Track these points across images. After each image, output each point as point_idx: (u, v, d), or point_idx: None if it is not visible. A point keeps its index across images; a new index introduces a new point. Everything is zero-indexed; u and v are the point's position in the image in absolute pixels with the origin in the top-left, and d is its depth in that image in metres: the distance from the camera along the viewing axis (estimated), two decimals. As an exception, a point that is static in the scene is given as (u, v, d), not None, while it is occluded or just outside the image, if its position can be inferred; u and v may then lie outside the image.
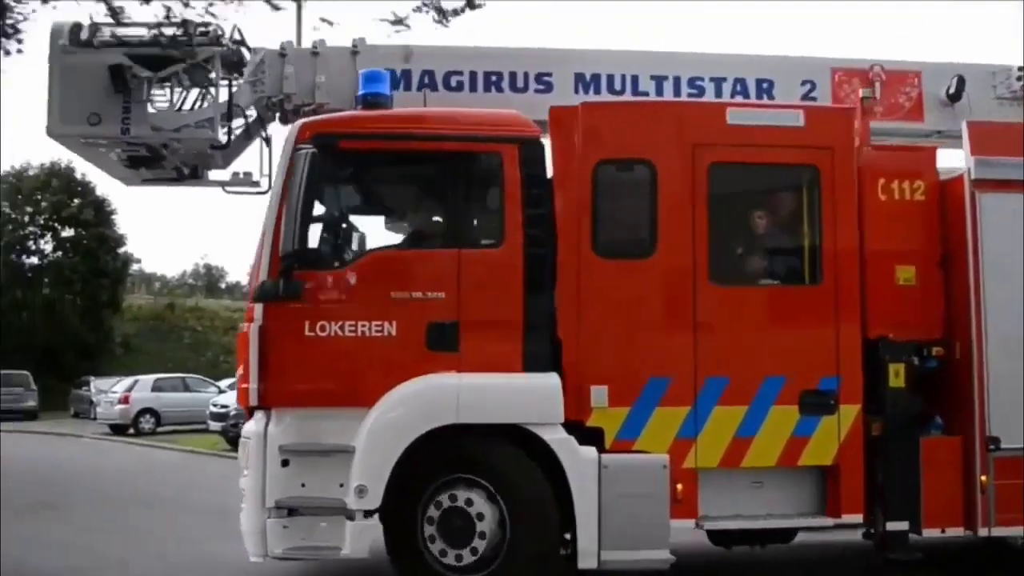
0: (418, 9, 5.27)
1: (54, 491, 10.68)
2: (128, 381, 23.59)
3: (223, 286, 53.28)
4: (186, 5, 5.35)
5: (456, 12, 5.71)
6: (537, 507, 4.90)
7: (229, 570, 6.00)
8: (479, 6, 5.11)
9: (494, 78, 6.53)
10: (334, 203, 5.36)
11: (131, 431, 21.74)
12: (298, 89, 6.40)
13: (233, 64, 6.51)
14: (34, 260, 34.82)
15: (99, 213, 34.37)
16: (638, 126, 5.41)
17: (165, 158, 6.58)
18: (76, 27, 6.10)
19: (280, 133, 5.97)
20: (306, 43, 6.57)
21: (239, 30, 6.27)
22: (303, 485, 4.88)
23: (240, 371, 5.12)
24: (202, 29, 6.15)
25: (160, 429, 21.81)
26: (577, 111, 5.34)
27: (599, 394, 5.09)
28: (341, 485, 4.80)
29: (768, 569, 6.25)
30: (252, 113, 6.71)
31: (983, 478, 5.37)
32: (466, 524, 4.88)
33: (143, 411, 22.24)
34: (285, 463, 4.87)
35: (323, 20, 6.36)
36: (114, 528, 8.16)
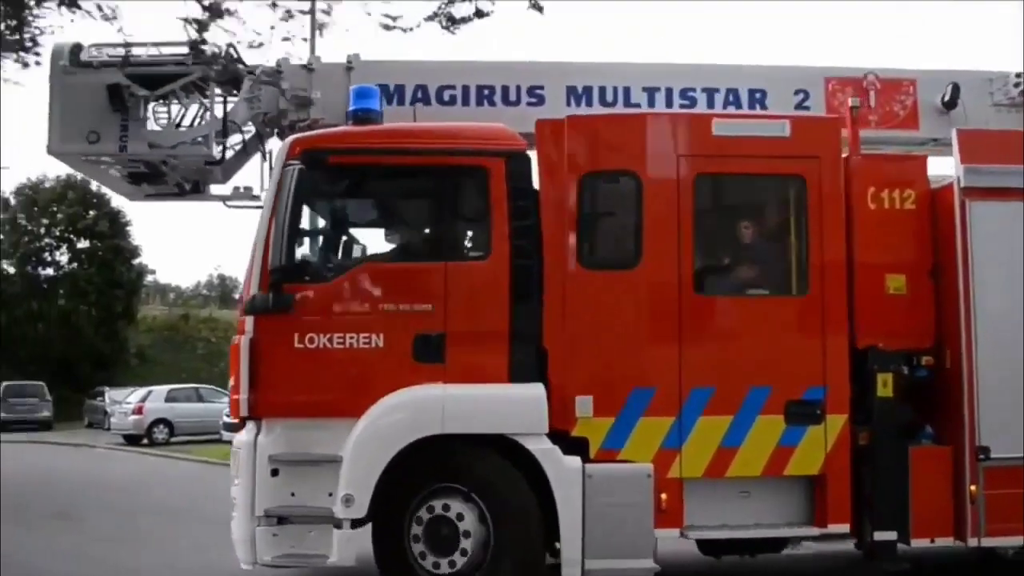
0: (430, 18, 5.36)
1: (67, 501, 10.80)
2: (142, 392, 23.80)
3: (237, 297, 53.26)
4: (201, 31, 5.48)
5: (465, 20, 5.82)
6: (522, 516, 4.95)
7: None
8: (486, 15, 5.22)
9: (486, 92, 6.63)
10: (324, 217, 5.47)
11: (145, 441, 21.90)
12: (293, 105, 6.53)
13: (231, 81, 6.65)
14: (50, 271, 35.28)
15: (114, 225, 34.80)
16: (623, 138, 5.47)
17: (165, 174, 6.73)
18: (76, 48, 6.27)
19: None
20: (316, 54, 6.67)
21: (235, 48, 6.42)
22: (293, 494, 4.97)
23: (232, 382, 5.22)
24: (198, 48, 6.29)
25: (174, 439, 21.93)
26: (563, 124, 5.41)
27: (584, 404, 5.14)
28: (330, 494, 4.87)
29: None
30: (250, 129, 6.86)
31: (973, 488, 5.35)
32: (451, 533, 4.94)
33: (157, 421, 22.40)
34: (275, 472, 4.96)
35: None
36: (126, 538, 8.23)
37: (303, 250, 5.25)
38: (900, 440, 5.42)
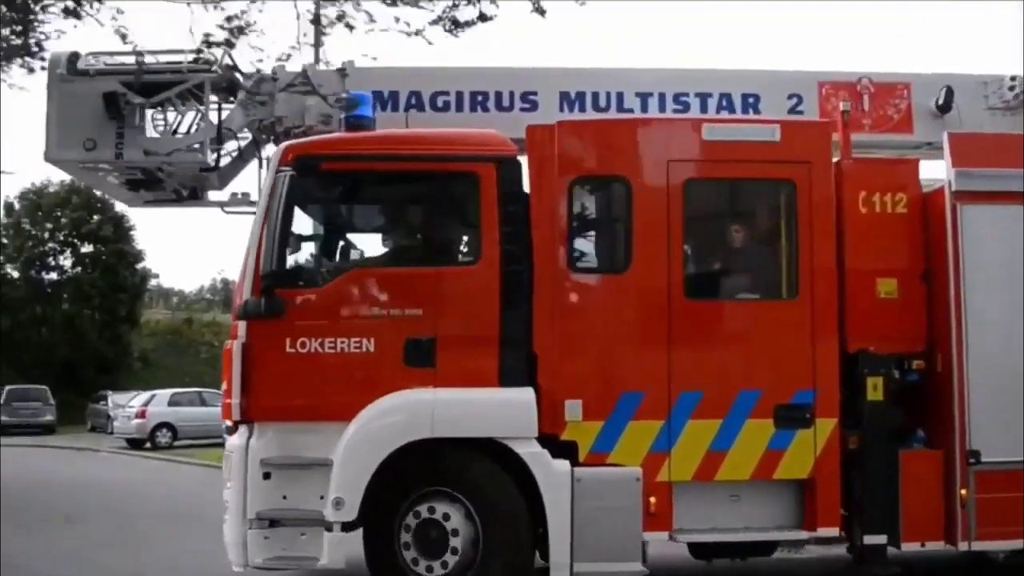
0: (435, 22, 5.40)
1: (70, 504, 10.82)
2: (145, 395, 23.80)
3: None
4: (208, 45, 5.52)
5: (468, 24, 5.86)
6: (510, 519, 4.98)
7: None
8: (490, 18, 5.25)
9: (480, 98, 6.70)
10: (316, 223, 5.52)
11: (148, 445, 21.92)
12: (289, 112, 6.59)
13: (227, 88, 6.72)
14: (54, 276, 35.38)
15: (118, 229, 34.88)
16: (613, 143, 5.51)
17: (162, 181, 6.80)
18: (73, 56, 6.36)
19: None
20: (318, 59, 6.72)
21: (230, 56, 6.49)
22: (285, 497, 5.00)
23: (225, 386, 5.27)
24: (193, 56, 6.36)
25: (177, 443, 21.92)
26: (553, 129, 5.45)
27: (573, 408, 5.17)
28: (321, 497, 4.91)
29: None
30: (247, 135, 6.92)
31: (963, 492, 5.36)
32: (441, 536, 4.98)
33: (160, 425, 22.43)
34: (267, 476, 5.00)
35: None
36: (129, 541, 8.24)
37: (295, 255, 5.29)
38: (890, 444, 5.43)
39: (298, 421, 5.10)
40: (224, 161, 7.08)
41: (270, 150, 6.83)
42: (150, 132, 6.67)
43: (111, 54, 6.51)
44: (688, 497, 5.29)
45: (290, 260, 5.20)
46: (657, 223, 5.33)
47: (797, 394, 5.31)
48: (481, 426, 5.06)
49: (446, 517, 5.00)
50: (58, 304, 34.10)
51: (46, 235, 35.14)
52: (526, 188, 5.40)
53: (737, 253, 5.72)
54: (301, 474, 5.01)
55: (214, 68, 6.43)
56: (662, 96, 6.90)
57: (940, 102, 7.23)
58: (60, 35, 7.28)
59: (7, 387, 28.51)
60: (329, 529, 4.87)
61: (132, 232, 35.77)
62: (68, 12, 6.18)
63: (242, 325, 5.13)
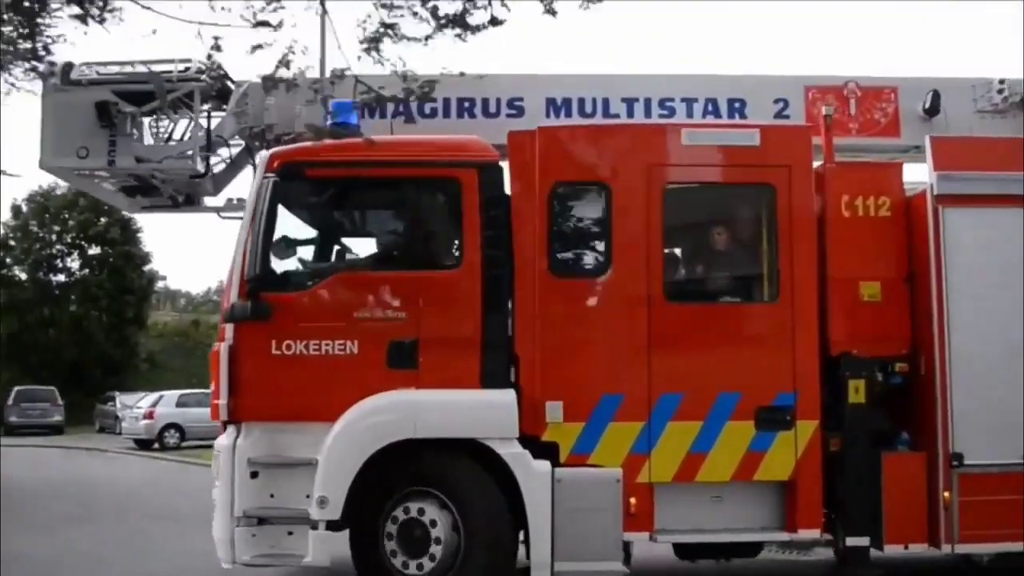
0: (443, 25, 5.44)
1: (78, 505, 10.90)
2: (153, 396, 24.00)
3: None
4: (217, 48, 5.59)
5: (479, 28, 5.90)
6: (492, 519, 5.06)
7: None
8: (501, 22, 5.30)
9: (467, 104, 6.78)
10: (301, 228, 5.62)
11: (156, 446, 22.10)
12: (279, 119, 6.70)
13: (219, 96, 6.83)
14: (61, 278, 35.70)
15: (125, 231, 35.15)
16: (593, 149, 5.58)
17: (156, 187, 6.92)
18: (67, 66, 6.49)
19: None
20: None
21: (220, 64, 6.59)
22: (272, 496, 5.11)
23: (213, 387, 5.37)
24: (183, 65, 6.48)
25: (184, 444, 22.06)
26: (534, 135, 5.52)
27: (554, 409, 5.24)
28: (308, 496, 5.01)
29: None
30: (239, 142, 7.03)
31: (947, 494, 5.38)
32: (424, 535, 5.06)
33: (168, 426, 22.61)
34: (254, 475, 5.11)
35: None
36: (136, 542, 8.30)
37: (281, 259, 5.39)
38: (873, 446, 5.46)
39: (284, 421, 5.19)
40: (219, 168, 7.20)
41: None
42: (148, 139, 6.81)
43: (104, 64, 6.63)
44: (670, 498, 5.34)
45: (276, 264, 5.30)
46: (637, 227, 5.40)
47: (778, 396, 5.35)
48: (463, 427, 5.14)
49: (427, 516, 5.07)
50: (66, 306, 34.39)
51: (54, 237, 35.44)
52: (508, 193, 5.47)
53: (717, 256, 5.78)
54: (288, 473, 5.11)
55: (203, 78, 6.54)
56: (648, 101, 6.96)
57: (927, 106, 7.26)
58: (66, 40, 7.40)
59: (16, 388, 28.84)
60: (315, 527, 4.96)
61: (139, 234, 36.12)
62: (80, 19, 6.28)
63: (229, 327, 5.24)
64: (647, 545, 5.42)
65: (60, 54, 7.45)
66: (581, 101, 6.86)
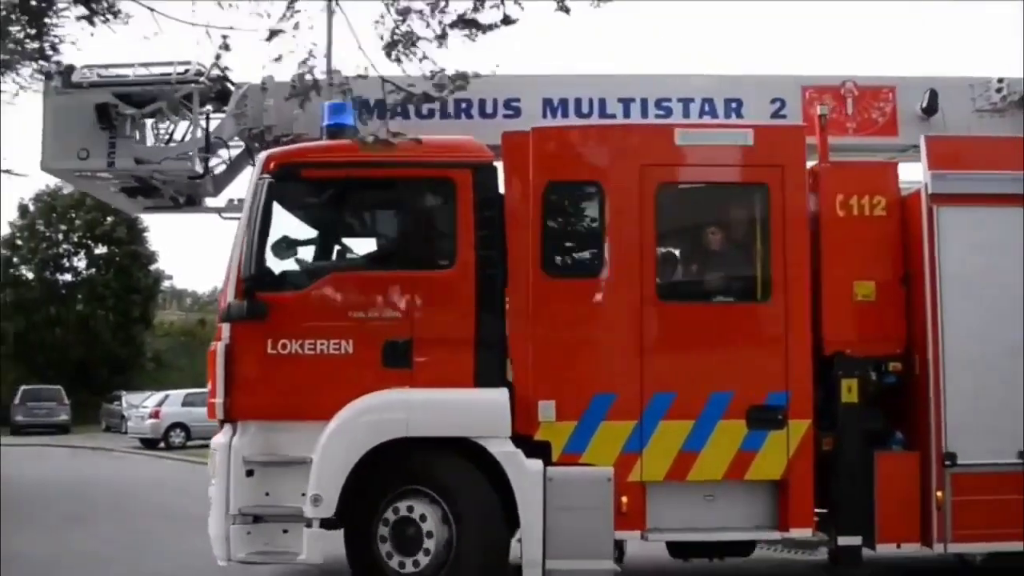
0: (454, 25, 5.47)
1: (84, 504, 10.96)
2: (159, 396, 24.11)
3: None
4: (225, 47, 5.59)
5: (491, 27, 5.93)
6: (483, 517, 5.10)
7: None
8: (513, 21, 5.33)
9: (464, 105, 6.81)
10: (297, 228, 5.66)
11: (161, 445, 22.19)
12: (278, 120, 6.75)
13: (218, 98, 6.89)
14: (68, 277, 35.81)
15: (131, 231, 35.25)
16: (587, 149, 5.63)
17: (157, 188, 6.99)
18: (68, 69, 6.56)
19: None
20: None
21: (226, 66, 6.65)
22: (267, 494, 5.17)
23: (209, 386, 5.43)
24: (183, 67, 6.54)
25: (190, 443, 22.09)
26: (528, 135, 5.56)
27: (546, 409, 5.28)
28: (303, 494, 5.05)
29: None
30: (239, 143, 7.08)
31: (939, 494, 5.39)
32: (417, 533, 5.10)
33: (173, 425, 22.68)
34: (250, 473, 5.16)
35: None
36: (142, 541, 8.33)
37: (277, 259, 5.44)
38: (866, 445, 5.47)
39: (280, 420, 5.24)
40: (219, 169, 7.26)
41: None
42: (150, 141, 6.87)
43: (105, 66, 6.70)
44: (662, 497, 5.37)
45: (272, 264, 5.36)
46: (630, 227, 5.43)
47: (770, 395, 5.37)
48: (456, 426, 5.18)
49: (421, 516, 5.12)
50: (72, 305, 34.51)
51: (60, 237, 35.58)
52: (502, 193, 5.51)
53: (710, 256, 5.80)
54: (283, 471, 5.16)
55: (202, 80, 6.60)
56: (644, 102, 6.97)
57: (925, 105, 7.25)
58: (74, 42, 7.46)
59: (22, 387, 28.97)
60: (309, 525, 5.01)
61: (145, 234, 36.20)
62: (87, 20, 6.34)
63: (226, 327, 5.30)
64: (641, 544, 5.45)
65: (66, 55, 7.53)
66: (578, 101, 6.88)
